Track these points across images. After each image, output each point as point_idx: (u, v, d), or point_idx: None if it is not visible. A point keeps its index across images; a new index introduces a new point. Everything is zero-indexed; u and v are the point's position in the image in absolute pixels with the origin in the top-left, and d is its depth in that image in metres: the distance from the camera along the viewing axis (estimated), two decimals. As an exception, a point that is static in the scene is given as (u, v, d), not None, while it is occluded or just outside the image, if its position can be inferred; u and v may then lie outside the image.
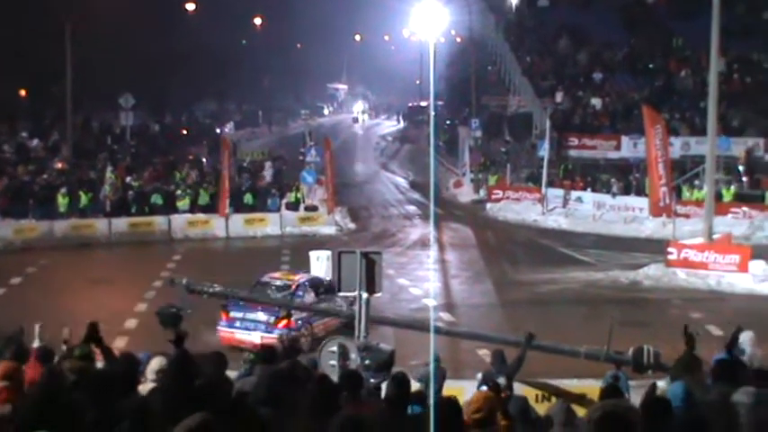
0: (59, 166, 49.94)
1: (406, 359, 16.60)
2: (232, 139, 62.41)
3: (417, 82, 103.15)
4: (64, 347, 12.58)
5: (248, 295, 23.61)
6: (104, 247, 40.42)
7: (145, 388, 8.65)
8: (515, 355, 15.47)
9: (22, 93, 66.91)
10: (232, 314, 23.44)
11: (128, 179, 47.03)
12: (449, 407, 7.87)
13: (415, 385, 13.27)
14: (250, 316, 23.40)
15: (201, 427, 5.99)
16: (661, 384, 12.81)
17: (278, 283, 25.41)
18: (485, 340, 20.62)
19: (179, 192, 44.76)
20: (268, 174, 52.14)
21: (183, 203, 44.01)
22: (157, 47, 66.39)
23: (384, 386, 11.45)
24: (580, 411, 11.38)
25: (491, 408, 9.26)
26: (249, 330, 23.13)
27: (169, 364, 8.20)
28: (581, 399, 15.31)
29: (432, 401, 7.86)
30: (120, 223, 41.85)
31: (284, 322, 23.34)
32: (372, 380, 12.22)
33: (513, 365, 15.14)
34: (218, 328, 23.51)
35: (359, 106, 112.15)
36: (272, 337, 21.76)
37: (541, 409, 12.94)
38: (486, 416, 9.05)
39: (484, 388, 12.34)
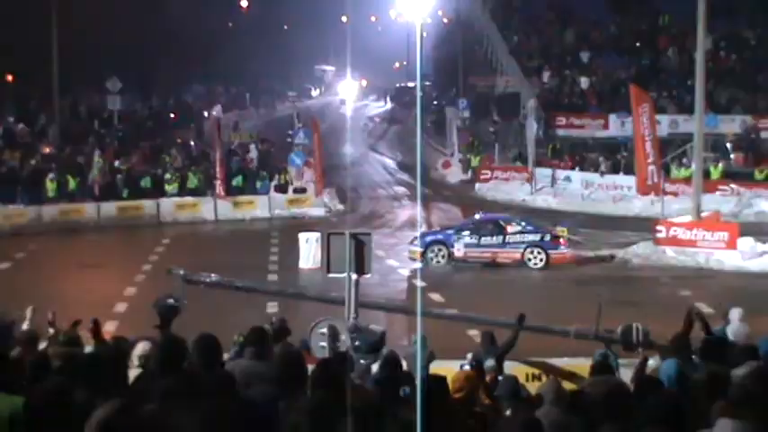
0: (47, 150, 49.76)
1: (396, 340, 16.61)
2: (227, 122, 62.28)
3: (404, 63, 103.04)
4: (51, 330, 12.57)
5: (245, 284, 23.60)
6: (93, 231, 40.35)
7: (131, 374, 8.66)
8: (507, 336, 15.49)
9: (8, 77, 66.58)
10: (571, 238, 32.56)
11: (116, 163, 46.91)
12: (435, 385, 7.91)
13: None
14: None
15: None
16: (651, 363, 12.87)
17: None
18: (474, 322, 20.64)
19: (167, 175, 44.70)
20: (254, 155, 52.01)
21: (172, 187, 43.96)
22: (144, 30, 66.08)
23: (375, 367, 11.47)
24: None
25: (472, 387, 9.31)
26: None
27: (157, 349, 8.18)
28: (571, 377, 15.38)
29: (418, 381, 7.87)
30: (109, 207, 41.82)
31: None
32: (362, 361, 12.23)
33: (503, 347, 15.17)
34: (558, 251, 31.50)
35: (349, 87, 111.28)
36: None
37: (532, 388, 12.97)
38: (468, 395, 9.10)
39: (466, 367, 12.38)
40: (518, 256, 31.43)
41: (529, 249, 31.36)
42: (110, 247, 37.73)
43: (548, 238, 31.51)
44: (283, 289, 24.56)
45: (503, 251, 31.58)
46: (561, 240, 31.60)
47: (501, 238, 31.67)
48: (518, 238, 31.63)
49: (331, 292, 19.10)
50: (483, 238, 31.72)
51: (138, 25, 65.14)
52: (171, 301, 14.20)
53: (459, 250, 31.69)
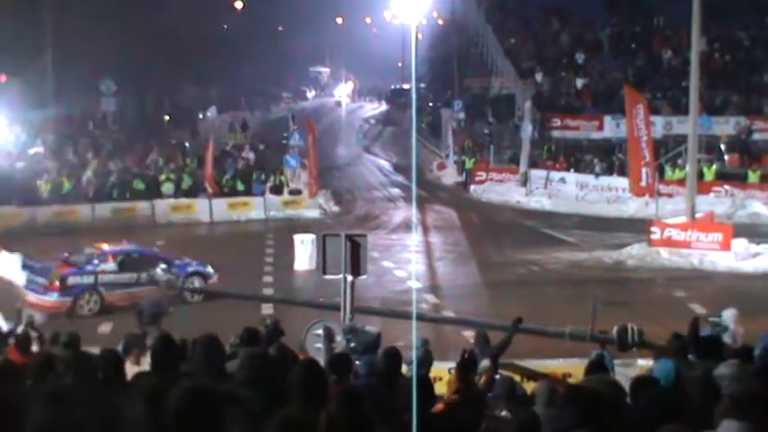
0: (41, 152, 49.72)
1: (392, 341, 16.61)
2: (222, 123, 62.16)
3: (399, 64, 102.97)
4: (34, 334, 12.51)
5: (227, 291, 23.59)
6: (88, 233, 40.20)
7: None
8: (502, 337, 15.48)
9: (2, 78, 66.49)
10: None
11: (110, 165, 46.88)
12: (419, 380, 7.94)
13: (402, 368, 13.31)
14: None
15: None
16: (642, 363, 12.89)
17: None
18: (469, 325, 20.65)
19: (162, 176, 44.67)
20: (250, 156, 51.99)
21: (167, 188, 43.93)
22: (138, 31, 66.02)
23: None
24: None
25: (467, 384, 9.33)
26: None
27: (153, 347, 8.17)
28: (565, 378, 15.38)
29: (414, 383, 7.87)
30: (104, 209, 41.72)
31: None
32: (358, 362, 12.22)
33: (497, 347, 15.15)
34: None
35: (344, 89, 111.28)
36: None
37: (529, 387, 12.97)
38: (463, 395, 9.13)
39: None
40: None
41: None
42: (104, 248, 37.60)
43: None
44: (272, 295, 24.59)
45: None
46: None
47: None
48: None
49: (319, 298, 19.10)
50: None
51: (133, 27, 65.06)
52: (154, 309, 14.17)
53: None
